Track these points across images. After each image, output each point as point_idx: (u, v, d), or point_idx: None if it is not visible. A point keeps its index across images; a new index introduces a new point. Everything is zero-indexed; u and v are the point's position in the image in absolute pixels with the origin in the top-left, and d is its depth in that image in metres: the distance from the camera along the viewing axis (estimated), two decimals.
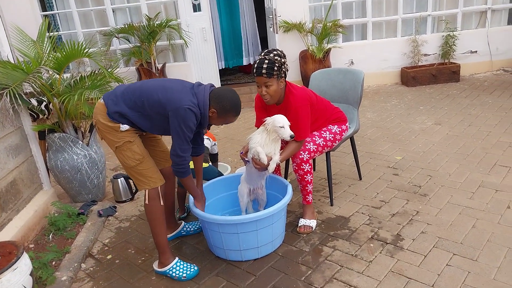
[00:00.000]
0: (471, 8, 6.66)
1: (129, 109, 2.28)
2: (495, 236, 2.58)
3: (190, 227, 2.96)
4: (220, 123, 2.42)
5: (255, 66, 2.58)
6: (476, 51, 6.73)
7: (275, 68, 2.54)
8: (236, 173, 3.17)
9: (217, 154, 3.48)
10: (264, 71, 2.54)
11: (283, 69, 2.60)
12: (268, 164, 2.53)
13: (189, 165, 2.40)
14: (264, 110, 2.89)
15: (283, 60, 2.59)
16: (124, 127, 2.30)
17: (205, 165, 3.09)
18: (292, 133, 2.50)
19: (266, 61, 2.54)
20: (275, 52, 2.58)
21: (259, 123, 2.90)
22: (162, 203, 2.46)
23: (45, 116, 3.52)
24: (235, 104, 2.34)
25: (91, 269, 2.69)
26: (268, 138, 2.53)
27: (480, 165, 3.56)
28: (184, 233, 2.94)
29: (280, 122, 2.49)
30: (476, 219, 2.79)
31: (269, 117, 2.57)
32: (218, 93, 2.33)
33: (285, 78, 2.68)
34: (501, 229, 2.65)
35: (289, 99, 2.71)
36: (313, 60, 6.15)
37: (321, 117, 2.94)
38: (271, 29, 6.18)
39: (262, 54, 2.61)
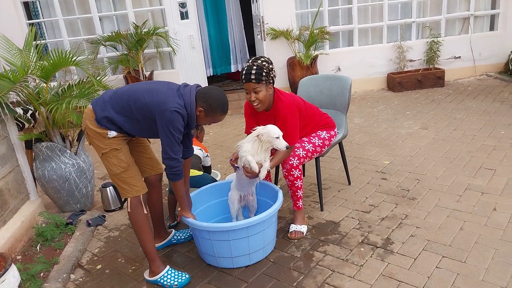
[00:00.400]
0: (454, 15, 6.80)
1: (116, 114, 2.27)
2: (483, 238, 2.63)
3: (180, 235, 2.95)
4: (207, 122, 2.42)
5: (244, 72, 2.60)
6: (460, 56, 6.86)
7: (264, 74, 2.57)
8: (226, 180, 3.17)
9: (209, 166, 3.48)
10: (253, 76, 2.56)
11: (271, 75, 2.64)
12: (259, 172, 2.54)
13: (182, 168, 2.40)
14: (254, 116, 2.91)
15: (270, 67, 2.64)
16: (112, 133, 2.29)
17: (198, 173, 3.08)
18: (287, 144, 2.52)
19: (255, 67, 2.57)
20: (262, 59, 2.63)
21: (248, 129, 2.92)
22: (146, 211, 2.45)
23: (31, 125, 3.48)
24: (222, 102, 2.34)
25: (81, 279, 2.65)
26: (260, 147, 2.54)
27: (466, 168, 3.62)
28: (175, 241, 2.93)
29: (275, 133, 2.51)
30: (464, 221, 2.83)
31: (260, 127, 2.58)
32: (205, 92, 2.33)
33: (273, 85, 2.70)
34: (488, 231, 2.70)
35: (278, 106, 2.73)
36: (301, 67, 6.20)
37: (310, 123, 2.97)
38: (258, 36, 6.22)
39: (250, 61, 2.64)
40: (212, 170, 3.68)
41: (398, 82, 6.49)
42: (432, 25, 6.74)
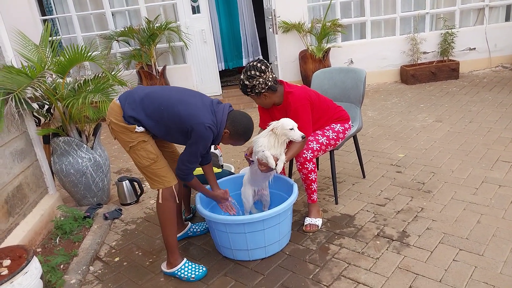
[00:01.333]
0: (469, 6, 6.69)
1: (146, 117, 2.29)
2: (500, 231, 2.60)
3: (196, 228, 2.98)
4: (227, 143, 2.50)
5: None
6: (475, 48, 6.76)
7: (248, 90, 2.69)
8: (240, 173, 3.19)
9: (222, 166, 3.54)
10: (241, 90, 2.73)
11: (258, 89, 2.67)
12: (276, 165, 2.54)
13: (191, 172, 2.44)
14: (266, 110, 2.93)
15: (255, 82, 2.63)
16: (140, 128, 2.31)
17: (218, 170, 3.13)
18: (303, 134, 2.53)
19: (241, 82, 2.69)
20: (248, 73, 2.64)
21: (262, 123, 2.94)
22: (177, 201, 2.51)
23: (48, 120, 3.54)
24: (248, 130, 2.43)
25: (100, 271, 2.70)
26: (276, 141, 2.54)
27: (482, 161, 3.58)
28: (191, 234, 2.96)
29: (289, 124, 2.52)
30: (481, 214, 2.81)
31: (274, 122, 2.59)
32: (235, 116, 2.39)
33: (271, 90, 2.71)
34: (506, 224, 2.67)
35: (289, 100, 2.75)
36: (313, 60, 6.17)
37: (323, 116, 2.96)
38: (270, 29, 6.20)
39: (244, 69, 2.71)
40: (225, 164, 3.71)
41: (411, 74, 6.43)
42: (446, 16, 6.64)
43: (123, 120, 2.29)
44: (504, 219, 2.73)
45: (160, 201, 2.43)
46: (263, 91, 2.69)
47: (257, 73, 2.63)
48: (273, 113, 2.91)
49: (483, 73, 6.61)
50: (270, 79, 2.67)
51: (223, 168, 3.57)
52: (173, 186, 2.44)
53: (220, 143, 2.50)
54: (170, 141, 2.54)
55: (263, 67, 2.65)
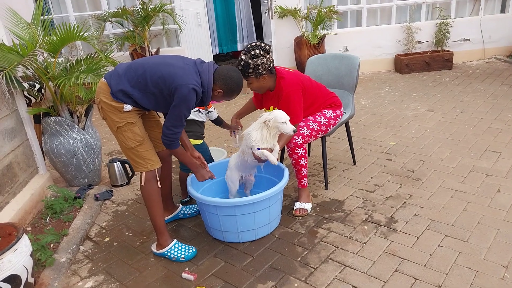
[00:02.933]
0: None
1: (131, 88, 2.27)
2: (485, 219, 2.66)
3: (187, 210, 2.99)
4: (220, 101, 2.48)
5: (237, 63, 2.66)
6: (469, 39, 6.78)
7: (250, 71, 2.61)
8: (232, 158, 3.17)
9: (217, 118, 3.20)
10: (241, 71, 2.62)
11: (260, 70, 2.62)
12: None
13: (177, 138, 2.40)
14: (260, 96, 2.93)
15: (259, 62, 2.59)
16: (128, 107, 2.29)
17: (197, 142, 3.01)
18: (295, 128, 2.53)
19: (242, 63, 2.60)
20: (252, 53, 2.58)
21: (256, 99, 3.04)
22: (159, 185, 2.49)
23: (39, 100, 3.51)
24: (241, 83, 2.41)
25: (90, 251, 2.72)
26: (268, 133, 2.55)
27: (471, 150, 3.63)
28: (182, 215, 2.98)
29: (282, 118, 2.50)
30: (467, 202, 2.86)
31: (266, 113, 2.59)
32: (225, 74, 2.34)
33: (270, 73, 2.70)
34: (491, 211, 2.73)
35: (281, 85, 2.74)
36: (308, 47, 6.15)
37: (315, 101, 2.96)
38: (266, 14, 6.16)
39: (244, 50, 2.64)
40: (218, 148, 3.70)
41: (405, 64, 6.44)
42: (442, 6, 6.64)
43: (112, 98, 2.28)
44: (489, 207, 2.78)
45: (143, 183, 2.44)
46: (264, 72, 2.65)
47: (262, 52, 2.59)
48: (265, 98, 2.91)
49: (476, 64, 6.64)
50: (272, 61, 2.67)
51: (211, 154, 3.47)
52: (156, 169, 2.44)
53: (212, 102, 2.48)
54: (164, 111, 2.46)
55: (267, 47, 2.63)
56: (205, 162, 2.69)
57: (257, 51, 2.58)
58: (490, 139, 3.81)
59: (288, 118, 2.53)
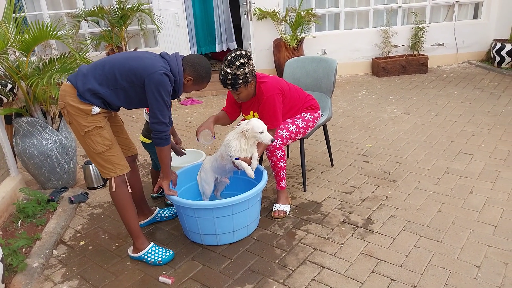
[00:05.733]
0: (439, 1, 6.85)
1: (99, 86, 2.22)
2: (459, 219, 2.72)
3: (164, 213, 2.95)
4: (192, 90, 2.46)
5: (220, 78, 2.62)
6: (443, 43, 6.95)
7: (239, 82, 2.60)
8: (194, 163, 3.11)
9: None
10: (229, 86, 2.61)
11: (248, 77, 2.62)
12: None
13: (169, 134, 2.38)
14: (238, 102, 2.93)
15: (246, 70, 2.58)
16: (95, 109, 2.23)
17: (148, 140, 2.97)
18: (272, 137, 2.53)
19: (229, 76, 2.57)
20: (238, 63, 2.55)
21: (228, 105, 2.97)
22: (129, 190, 2.44)
23: (11, 100, 3.40)
24: (209, 70, 2.41)
25: (64, 255, 2.64)
26: (247, 143, 2.54)
27: (445, 152, 3.71)
28: (159, 219, 2.93)
29: (259, 127, 2.50)
30: (442, 203, 2.92)
31: (243, 122, 2.58)
32: (192, 61, 2.35)
33: (254, 78, 2.70)
34: (464, 212, 2.79)
35: (261, 89, 2.74)
36: (287, 49, 6.18)
37: (294, 105, 2.98)
38: (245, 15, 6.15)
39: (226, 63, 2.58)
40: (197, 150, 3.66)
41: (382, 67, 6.55)
42: (418, 11, 6.79)
43: (79, 100, 2.21)
44: (463, 208, 2.85)
45: (113, 189, 2.38)
46: (251, 79, 2.64)
47: (246, 60, 2.58)
48: (244, 104, 2.91)
49: (450, 69, 6.81)
50: (254, 65, 2.67)
51: (193, 151, 3.50)
52: (125, 174, 2.40)
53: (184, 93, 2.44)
54: (135, 106, 2.41)
55: (248, 53, 2.62)
56: (176, 183, 2.67)
57: (242, 60, 2.57)
58: (463, 142, 3.91)
59: (265, 127, 2.52)
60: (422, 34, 6.58)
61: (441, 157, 3.63)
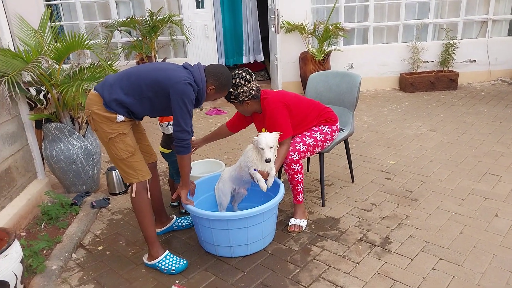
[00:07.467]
0: (472, 18, 6.70)
1: (125, 95, 2.29)
2: (482, 243, 2.62)
3: (182, 221, 2.99)
4: (214, 98, 2.55)
5: None
6: (475, 60, 6.77)
7: (232, 97, 2.73)
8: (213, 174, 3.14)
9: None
10: (225, 97, 2.73)
11: (241, 97, 2.72)
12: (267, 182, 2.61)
13: (191, 143, 2.43)
14: (249, 117, 3.03)
15: (239, 90, 2.69)
16: (120, 117, 2.31)
17: (167, 151, 3.06)
18: (269, 157, 2.52)
19: None
20: (233, 82, 2.66)
21: (235, 117, 3.10)
22: (149, 197, 2.49)
23: (43, 105, 3.54)
24: (230, 78, 2.54)
25: (82, 259, 2.71)
26: (259, 155, 2.58)
27: (471, 172, 3.60)
28: (176, 227, 2.97)
29: (260, 143, 2.53)
30: (464, 225, 2.82)
31: (259, 134, 2.62)
32: (215, 70, 2.44)
33: (253, 99, 2.77)
34: (488, 236, 2.69)
35: (264, 105, 2.81)
36: (313, 62, 6.18)
37: (307, 117, 2.96)
38: (272, 29, 6.20)
39: None
40: (216, 160, 3.70)
41: (410, 82, 6.44)
42: (449, 26, 6.65)
43: (105, 109, 2.30)
44: (486, 231, 2.74)
45: (133, 194, 2.44)
46: (246, 99, 2.74)
47: (242, 82, 2.69)
48: (255, 119, 2.99)
49: (481, 86, 6.62)
50: (254, 88, 2.74)
51: (213, 161, 3.56)
52: (147, 180, 2.45)
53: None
54: (159, 115, 2.51)
55: (247, 76, 2.71)
56: (194, 193, 2.72)
57: (237, 80, 2.68)
58: (491, 162, 3.78)
59: (270, 144, 2.52)
60: (453, 50, 6.43)
61: (466, 177, 3.52)
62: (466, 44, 6.64)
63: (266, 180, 2.60)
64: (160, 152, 3.11)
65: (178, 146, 2.39)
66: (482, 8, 6.71)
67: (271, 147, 2.53)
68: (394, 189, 3.39)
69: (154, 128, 5.25)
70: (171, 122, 2.91)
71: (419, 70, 6.65)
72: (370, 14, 6.61)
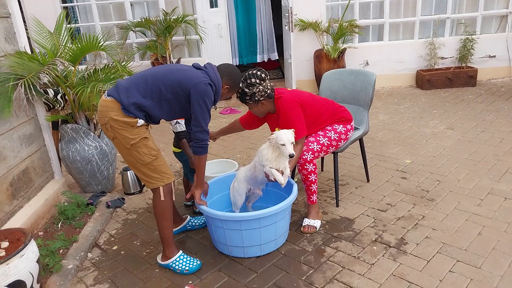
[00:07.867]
0: (491, 12, 6.54)
1: (144, 99, 2.28)
2: (501, 245, 2.55)
3: (195, 221, 2.99)
4: (226, 97, 2.59)
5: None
6: (495, 55, 6.60)
7: (247, 98, 2.71)
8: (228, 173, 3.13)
9: (182, 133, 3.05)
10: (239, 98, 2.76)
11: (257, 97, 2.70)
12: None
13: (208, 143, 2.44)
14: (263, 117, 3.01)
15: (255, 90, 2.66)
16: (141, 121, 2.30)
17: (178, 150, 3.08)
18: (293, 152, 2.50)
19: (240, 90, 2.70)
20: (248, 81, 2.65)
21: (248, 116, 3.08)
22: (174, 199, 2.51)
23: (60, 107, 3.60)
24: (241, 75, 2.60)
25: (97, 258, 2.74)
26: (275, 153, 2.55)
27: (490, 172, 3.51)
28: (189, 227, 2.98)
29: (281, 139, 2.49)
30: (483, 226, 2.76)
31: (275, 132, 2.59)
32: (227, 69, 2.49)
33: (268, 98, 2.75)
34: (508, 237, 2.62)
35: (278, 105, 2.80)
36: (328, 60, 6.12)
37: (320, 117, 2.93)
38: (286, 27, 6.17)
39: (242, 78, 2.68)
40: (230, 160, 3.70)
41: (427, 79, 6.32)
42: (468, 21, 6.50)
43: (123, 113, 2.26)
44: (506, 232, 2.67)
45: (163, 198, 2.41)
46: (261, 99, 2.72)
47: (257, 81, 2.67)
48: (269, 120, 2.97)
49: (501, 82, 6.46)
50: (269, 87, 2.72)
51: (227, 161, 3.57)
52: (172, 182, 2.46)
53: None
54: (177, 117, 2.53)
55: (263, 75, 2.70)
56: (207, 193, 2.73)
57: (253, 80, 2.66)
58: (511, 161, 3.68)
59: (290, 140, 2.49)
60: (472, 45, 6.29)
61: (485, 176, 3.44)
62: (485, 39, 6.48)
63: None
64: (173, 152, 3.13)
65: (197, 146, 2.39)
66: (502, 2, 6.54)
67: (292, 143, 2.51)
68: (410, 189, 3.33)
69: (170, 128, 5.28)
70: (179, 120, 2.94)
71: (436, 67, 6.53)
72: (386, 10, 6.51)
